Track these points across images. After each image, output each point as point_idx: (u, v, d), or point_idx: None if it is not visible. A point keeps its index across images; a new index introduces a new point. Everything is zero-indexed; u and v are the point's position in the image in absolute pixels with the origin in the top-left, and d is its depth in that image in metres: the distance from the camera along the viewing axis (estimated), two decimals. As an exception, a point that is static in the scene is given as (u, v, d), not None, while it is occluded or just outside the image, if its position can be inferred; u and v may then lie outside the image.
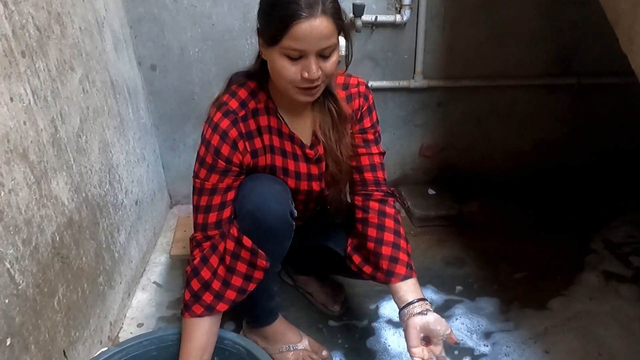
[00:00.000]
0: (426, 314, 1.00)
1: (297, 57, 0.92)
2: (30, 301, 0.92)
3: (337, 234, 1.24)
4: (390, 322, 1.41)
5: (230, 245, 1.03)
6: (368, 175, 1.15)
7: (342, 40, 0.99)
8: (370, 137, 1.15)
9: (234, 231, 1.04)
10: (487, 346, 1.33)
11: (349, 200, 1.22)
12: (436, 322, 0.99)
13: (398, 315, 1.06)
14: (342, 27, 0.95)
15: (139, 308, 1.48)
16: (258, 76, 1.07)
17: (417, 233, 1.86)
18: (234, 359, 1.09)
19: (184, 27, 1.70)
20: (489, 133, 2.05)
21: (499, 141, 2.07)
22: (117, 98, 1.46)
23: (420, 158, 2.09)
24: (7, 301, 0.85)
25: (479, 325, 1.40)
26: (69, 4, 1.17)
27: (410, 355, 0.98)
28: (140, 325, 1.42)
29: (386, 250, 1.09)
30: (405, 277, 1.06)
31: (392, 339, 1.35)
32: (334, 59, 0.95)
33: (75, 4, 1.21)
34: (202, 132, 1.05)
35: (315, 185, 1.16)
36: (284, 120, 1.08)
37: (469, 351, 1.31)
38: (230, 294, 1.06)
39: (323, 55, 0.93)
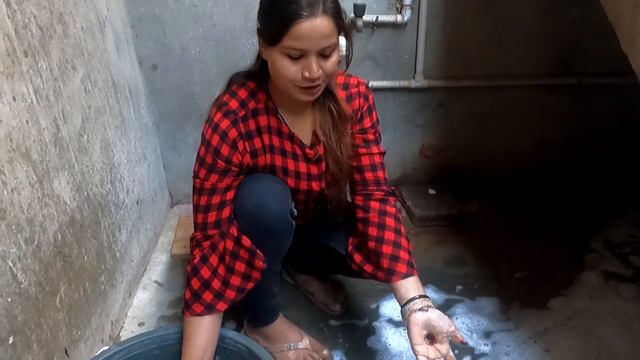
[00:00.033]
0: (427, 310, 0.99)
1: (297, 56, 0.92)
2: (32, 300, 0.93)
3: (337, 233, 1.24)
4: (391, 321, 1.42)
5: (230, 244, 1.04)
6: (369, 175, 1.15)
7: (342, 40, 0.99)
8: (371, 137, 1.16)
9: (234, 230, 1.04)
10: (488, 345, 1.33)
11: (349, 199, 1.23)
12: (438, 318, 0.98)
13: (400, 314, 1.05)
14: (343, 26, 0.96)
15: (140, 307, 1.49)
16: (258, 76, 1.07)
17: (418, 233, 1.86)
18: (235, 357, 1.09)
19: (185, 27, 1.71)
20: (489, 133, 2.05)
21: (499, 141, 2.08)
22: (118, 97, 1.46)
23: (421, 158, 2.10)
24: (9, 300, 0.85)
25: (479, 325, 1.40)
26: (71, 3, 1.17)
27: (414, 353, 0.96)
28: (141, 324, 1.42)
29: (387, 249, 1.09)
30: (406, 276, 1.06)
31: (392, 338, 1.35)
32: (334, 58, 0.95)
33: (77, 3, 1.21)
34: (203, 132, 1.06)
35: (315, 185, 1.16)
36: (283, 120, 1.09)
37: (470, 350, 1.32)
38: (230, 294, 1.06)
39: (324, 54, 0.93)
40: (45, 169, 1.00)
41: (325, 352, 1.28)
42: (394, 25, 1.78)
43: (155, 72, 1.77)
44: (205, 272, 1.06)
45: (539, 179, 2.09)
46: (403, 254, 1.09)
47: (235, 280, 1.06)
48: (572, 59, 1.93)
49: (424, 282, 1.12)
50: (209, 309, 1.05)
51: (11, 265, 0.87)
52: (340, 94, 1.09)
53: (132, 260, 1.51)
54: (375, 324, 1.41)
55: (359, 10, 1.66)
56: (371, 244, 1.12)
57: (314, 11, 0.88)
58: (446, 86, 1.92)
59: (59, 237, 1.04)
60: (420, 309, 0.99)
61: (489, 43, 1.87)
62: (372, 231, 1.12)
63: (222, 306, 1.06)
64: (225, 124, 1.02)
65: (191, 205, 1.10)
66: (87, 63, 1.25)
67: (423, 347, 0.97)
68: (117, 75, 1.47)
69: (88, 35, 1.26)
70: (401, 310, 1.04)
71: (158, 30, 1.70)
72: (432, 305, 1.01)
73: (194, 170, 1.07)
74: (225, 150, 1.02)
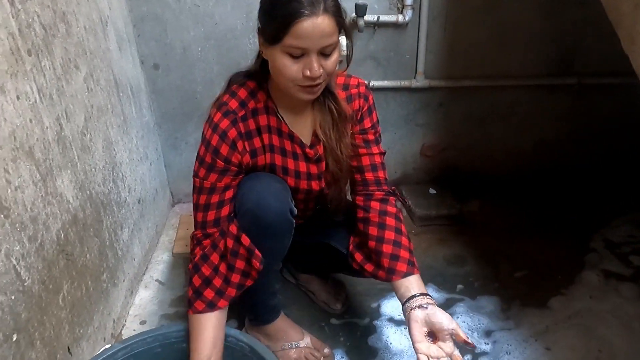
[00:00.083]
0: (427, 307, 0.98)
1: (298, 55, 0.92)
2: (35, 298, 0.93)
3: (338, 232, 1.25)
4: (391, 320, 1.42)
5: (230, 243, 1.05)
6: (369, 175, 1.16)
7: (343, 39, 0.99)
8: (371, 137, 1.16)
9: (234, 229, 1.05)
10: (488, 344, 1.34)
11: (349, 198, 1.23)
12: (438, 314, 0.96)
13: (402, 313, 1.05)
14: (343, 25, 0.96)
15: (141, 306, 1.49)
16: (258, 76, 1.07)
17: (418, 232, 1.87)
18: (237, 355, 1.09)
19: (187, 27, 1.71)
20: (489, 133, 2.06)
21: (499, 141, 2.08)
22: (120, 97, 1.47)
23: (422, 158, 2.10)
24: (13, 297, 0.86)
25: (479, 324, 1.41)
26: (73, 2, 1.18)
27: (415, 351, 0.95)
28: (143, 322, 1.43)
29: (387, 248, 1.09)
30: (406, 274, 1.06)
31: (393, 337, 1.36)
32: (335, 57, 0.96)
33: (80, 2, 1.22)
34: (203, 132, 1.06)
35: (315, 185, 1.16)
36: (283, 119, 1.09)
37: (470, 349, 1.32)
38: (231, 291, 1.07)
39: (324, 53, 0.93)
40: (48, 168, 1.00)
41: (326, 350, 1.28)
42: (395, 25, 1.79)
43: (157, 72, 1.78)
44: (206, 270, 1.06)
45: (539, 179, 2.10)
46: (403, 253, 1.09)
47: (236, 278, 1.06)
48: (572, 59, 1.93)
49: (425, 281, 1.12)
50: (211, 306, 1.06)
51: (15, 263, 0.87)
52: (341, 95, 1.09)
53: (133, 258, 1.52)
54: (376, 322, 1.42)
55: (361, 10, 1.66)
56: (371, 243, 1.12)
57: (315, 10, 0.88)
58: (447, 86, 1.93)
59: (62, 236, 1.05)
60: (419, 306, 0.99)
61: (490, 43, 1.88)
62: (373, 230, 1.12)
63: (222, 303, 1.07)
64: (224, 123, 1.03)
65: (192, 204, 1.11)
66: (90, 62, 1.25)
67: (424, 345, 0.96)
68: (119, 74, 1.47)
69: (90, 34, 1.27)
70: (402, 308, 1.04)
71: (160, 29, 1.71)
72: (433, 302, 1.00)
73: (194, 169, 1.07)
74: (224, 150, 1.03)
